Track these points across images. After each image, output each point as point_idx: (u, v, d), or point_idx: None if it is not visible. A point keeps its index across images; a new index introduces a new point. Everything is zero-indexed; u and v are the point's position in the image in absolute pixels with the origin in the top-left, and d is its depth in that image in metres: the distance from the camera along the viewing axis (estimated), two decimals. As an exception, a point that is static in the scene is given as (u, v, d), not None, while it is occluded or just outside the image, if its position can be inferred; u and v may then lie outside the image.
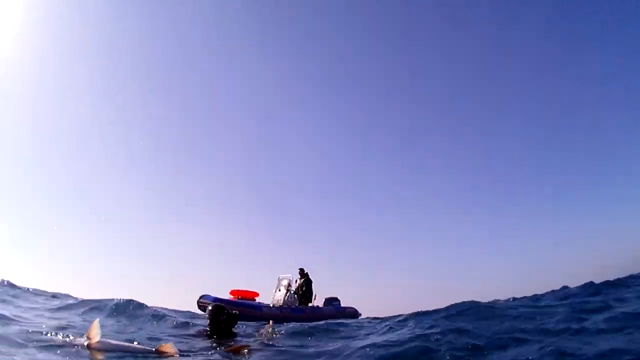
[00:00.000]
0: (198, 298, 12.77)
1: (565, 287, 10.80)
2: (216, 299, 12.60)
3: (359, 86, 50.65)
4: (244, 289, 13.58)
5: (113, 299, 7.99)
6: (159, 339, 4.77)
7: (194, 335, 4.79)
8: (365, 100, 50.30)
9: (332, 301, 14.27)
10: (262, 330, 5.58)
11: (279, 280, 14.15)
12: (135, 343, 4.30)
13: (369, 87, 51.06)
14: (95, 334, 4.10)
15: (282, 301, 13.36)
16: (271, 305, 13.34)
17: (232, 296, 13.34)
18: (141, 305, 7.64)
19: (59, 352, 3.75)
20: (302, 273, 13.99)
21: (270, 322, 5.95)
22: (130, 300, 7.85)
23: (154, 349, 4.12)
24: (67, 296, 10.92)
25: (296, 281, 13.92)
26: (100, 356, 3.87)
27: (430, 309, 7.05)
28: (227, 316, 4.81)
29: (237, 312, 4.86)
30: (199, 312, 12.47)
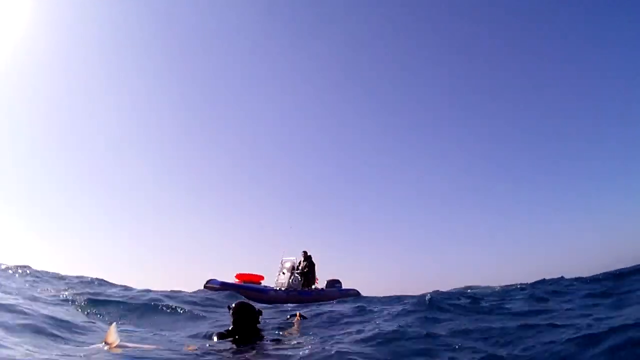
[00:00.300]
0: (205, 282, 12.99)
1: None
2: (223, 283, 12.80)
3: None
4: (249, 272, 13.81)
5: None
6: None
7: (216, 335, 4.45)
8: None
9: (334, 283, 14.51)
10: (289, 329, 5.39)
11: (282, 262, 14.32)
12: (154, 346, 4.08)
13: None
14: (114, 339, 3.96)
15: (286, 284, 13.58)
16: (276, 288, 13.58)
17: (237, 280, 13.51)
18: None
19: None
20: (306, 255, 14.13)
21: (298, 315, 5.98)
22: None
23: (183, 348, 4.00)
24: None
25: (299, 263, 14.09)
26: None
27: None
28: (252, 314, 4.38)
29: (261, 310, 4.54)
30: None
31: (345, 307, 7.72)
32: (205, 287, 12.92)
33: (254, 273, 13.82)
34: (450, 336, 4.61)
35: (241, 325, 4.24)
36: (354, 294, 14.18)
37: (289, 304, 11.32)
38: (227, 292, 11.37)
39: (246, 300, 4.72)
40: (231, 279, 13.56)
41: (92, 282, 11.22)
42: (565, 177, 46.34)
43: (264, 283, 13.80)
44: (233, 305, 4.37)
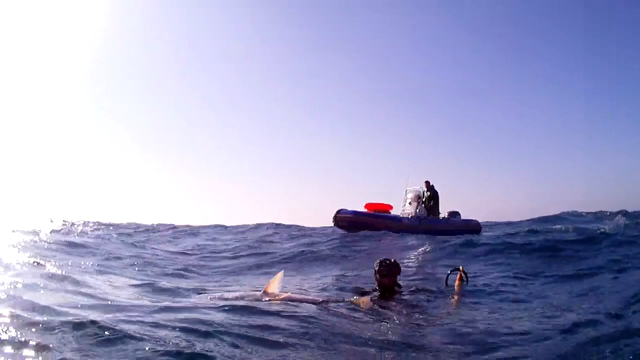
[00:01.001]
0: (335, 213, 13.62)
1: None
2: (355, 212, 13.67)
3: None
4: (377, 202, 14.79)
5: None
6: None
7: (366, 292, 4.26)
8: None
9: (455, 214, 14.78)
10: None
11: (406, 193, 15.01)
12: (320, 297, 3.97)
13: None
14: (277, 288, 3.83)
15: (413, 213, 14.30)
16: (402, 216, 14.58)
17: (367, 209, 14.28)
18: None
19: (243, 309, 3.37)
20: (428, 185, 14.52)
21: (461, 271, 4.48)
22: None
23: (348, 300, 3.90)
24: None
25: (423, 193, 14.67)
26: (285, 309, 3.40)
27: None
28: (398, 271, 4.21)
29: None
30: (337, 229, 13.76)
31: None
32: (335, 217, 13.48)
33: (382, 202, 15.05)
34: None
35: (390, 284, 4.18)
36: (474, 225, 14.47)
37: (421, 234, 11.92)
38: (357, 234, 12.13)
39: (386, 255, 4.35)
40: (360, 209, 14.20)
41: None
42: None
43: (392, 212, 14.62)
44: (379, 262, 4.17)
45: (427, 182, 14.65)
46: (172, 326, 2.70)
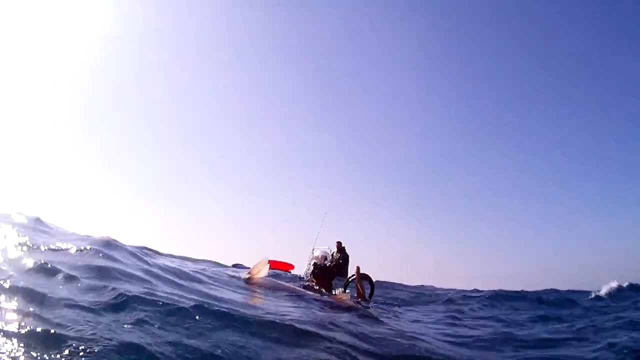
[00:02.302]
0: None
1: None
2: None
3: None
4: (280, 260, 13.12)
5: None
6: None
7: None
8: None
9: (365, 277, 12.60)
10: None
11: (313, 252, 13.11)
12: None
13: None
14: (259, 272, 4.68)
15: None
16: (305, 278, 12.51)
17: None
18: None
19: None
20: (340, 247, 12.59)
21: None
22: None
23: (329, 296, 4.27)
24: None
25: (332, 255, 12.64)
26: (259, 290, 4.42)
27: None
28: None
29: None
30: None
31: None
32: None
33: (285, 261, 13.07)
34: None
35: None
36: None
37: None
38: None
39: None
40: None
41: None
42: None
43: (293, 272, 12.93)
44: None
45: (339, 243, 12.59)
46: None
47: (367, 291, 5.02)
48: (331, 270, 11.94)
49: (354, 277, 5.27)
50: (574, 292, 17.15)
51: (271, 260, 12.87)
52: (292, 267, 12.82)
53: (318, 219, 14.44)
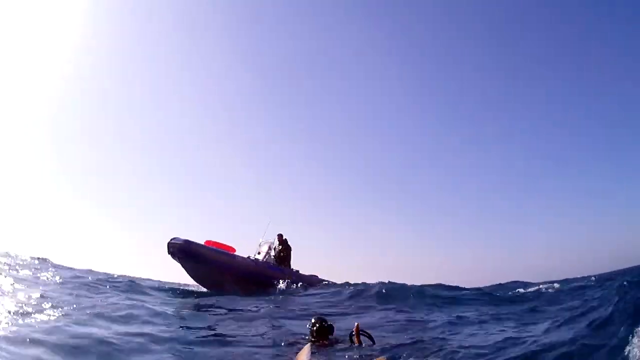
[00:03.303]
0: (169, 240, 12.27)
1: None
2: (187, 241, 12.19)
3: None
4: (221, 242, 13.44)
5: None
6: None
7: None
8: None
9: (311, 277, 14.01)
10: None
11: (260, 245, 13.98)
12: None
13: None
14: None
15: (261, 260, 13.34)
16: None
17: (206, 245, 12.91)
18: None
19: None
20: (281, 239, 13.74)
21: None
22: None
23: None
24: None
25: (275, 247, 13.71)
26: None
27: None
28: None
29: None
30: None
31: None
32: (168, 244, 12.19)
33: (226, 244, 13.49)
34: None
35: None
36: (314, 280, 13.73)
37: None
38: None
39: None
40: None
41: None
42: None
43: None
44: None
45: (280, 235, 13.88)
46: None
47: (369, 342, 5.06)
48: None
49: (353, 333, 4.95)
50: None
51: (214, 241, 13.35)
52: (233, 250, 13.32)
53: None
